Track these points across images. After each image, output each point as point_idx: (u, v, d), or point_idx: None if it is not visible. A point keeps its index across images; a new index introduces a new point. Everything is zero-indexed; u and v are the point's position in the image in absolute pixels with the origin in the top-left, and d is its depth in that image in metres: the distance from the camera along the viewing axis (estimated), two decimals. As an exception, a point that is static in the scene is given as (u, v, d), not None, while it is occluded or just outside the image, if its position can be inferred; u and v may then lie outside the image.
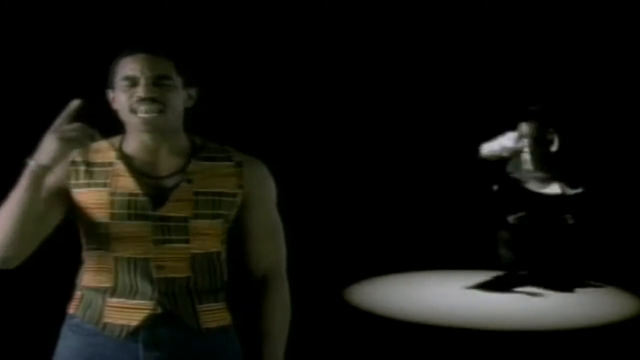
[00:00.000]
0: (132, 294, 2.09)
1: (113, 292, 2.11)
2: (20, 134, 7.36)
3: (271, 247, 2.25)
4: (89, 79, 3.57)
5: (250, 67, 8.23)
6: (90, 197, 2.11)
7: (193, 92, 2.20)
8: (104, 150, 2.16)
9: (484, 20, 8.63)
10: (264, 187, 2.23)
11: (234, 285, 2.26)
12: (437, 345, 5.38)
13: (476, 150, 6.84)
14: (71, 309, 2.17)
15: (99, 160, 2.14)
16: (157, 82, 2.09)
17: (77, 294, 2.17)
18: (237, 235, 2.24)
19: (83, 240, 2.18)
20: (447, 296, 6.58)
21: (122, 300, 2.10)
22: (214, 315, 2.16)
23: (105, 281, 2.11)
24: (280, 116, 8.45)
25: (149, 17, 7.62)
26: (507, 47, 8.63)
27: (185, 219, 2.11)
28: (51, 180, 2.08)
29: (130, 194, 2.09)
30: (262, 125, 8.28)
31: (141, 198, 2.09)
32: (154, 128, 2.09)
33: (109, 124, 2.18)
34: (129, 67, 2.10)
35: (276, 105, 8.44)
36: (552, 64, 8.54)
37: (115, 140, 2.18)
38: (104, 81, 2.19)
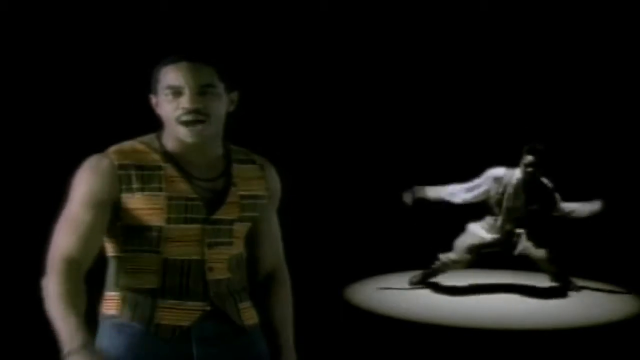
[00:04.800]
0: (183, 295, 2.12)
1: (162, 293, 2.11)
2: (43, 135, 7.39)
3: (278, 245, 2.34)
4: (129, 85, 3.60)
5: (249, 68, 8.24)
6: (145, 202, 2.10)
7: (234, 96, 2.20)
8: (145, 151, 2.14)
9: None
10: (278, 190, 2.30)
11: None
12: (437, 345, 5.38)
13: (475, 149, 6.82)
14: (111, 310, 2.14)
15: (147, 163, 2.12)
16: (202, 92, 2.09)
17: (113, 294, 2.15)
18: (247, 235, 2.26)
19: (119, 242, 2.14)
20: (447, 296, 6.57)
21: (172, 301, 2.12)
22: (250, 312, 2.23)
23: (151, 282, 2.12)
24: (280, 116, 8.45)
25: (186, 24, 7.67)
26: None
27: (232, 222, 2.16)
28: (104, 191, 2.08)
29: (187, 198, 2.11)
30: (262, 126, 8.29)
31: (196, 202, 2.12)
32: (198, 138, 2.10)
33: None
34: (172, 76, 2.10)
35: (276, 106, 8.44)
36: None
37: (150, 141, 2.17)
38: (143, 86, 2.21)
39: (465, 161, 7.42)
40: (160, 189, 2.11)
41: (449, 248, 6.70)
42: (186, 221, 2.11)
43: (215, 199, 2.14)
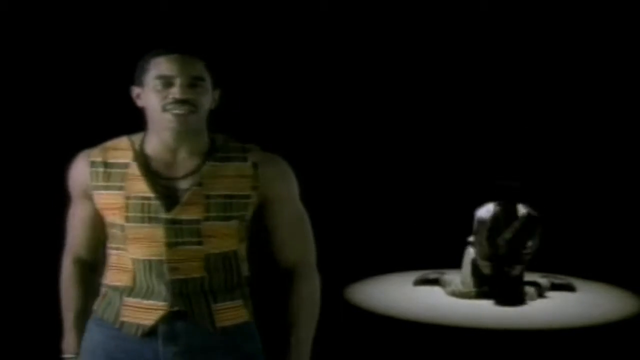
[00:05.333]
0: (148, 294, 2.15)
1: (130, 291, 2.17)
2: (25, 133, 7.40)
3: (296, 241, 2.28)
4: (111, 78, 3.61)
5: (259, 65, 8.24)
6: (108, 200, 2.17)
7: (217, 94, 2.23)
8: (122, 148, 2.19)
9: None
10: (281, 186, 2.26)
11: (263, 279, 2.29)
12: (436, 344, 5.38)
13: (476, 150, 6.82)
14: (95, 305, 2.24)
15: (116, 161, 2.17)
16: (192, 83, 2.12)
17: (102, 291, 2.24)
18: (264, 230, 2.27)
19: (107, 239, 2.24)
20: (447, 295, 6.57)
21: (137, 300, 2.16)
22: (230, 313, 2.20)
23: (125, 281, 2.18)
24: (280, 117, 8.45)
25: (175, 19, 7.67)
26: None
27: (197, 222, 2.14)
28: (82, 186, 2.20)
29: (144, 197, 2.13)
30: (262, 126, 8.29)
31: (154, 201, 2.13)
32: (182, 127, 2.11)
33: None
34: (164, 66, 2.12)
35: (276, 106, 8.44)
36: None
37: (137, 138, 2.21)
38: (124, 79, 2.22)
39: (463, 161, 7.43)
40: (120, 187, 2.15)
41: (449, 247, 6.69)
42: (144, 220, 2.13)
43: (176, 199, 2.14)
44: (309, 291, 2.28)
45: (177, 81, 2.10)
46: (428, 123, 8.82)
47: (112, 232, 2.19)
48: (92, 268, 2.28)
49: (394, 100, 8.87)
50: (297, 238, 2.29)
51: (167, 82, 2.11)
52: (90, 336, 2.22)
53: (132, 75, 2.19)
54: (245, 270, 2.25)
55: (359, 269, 7.14)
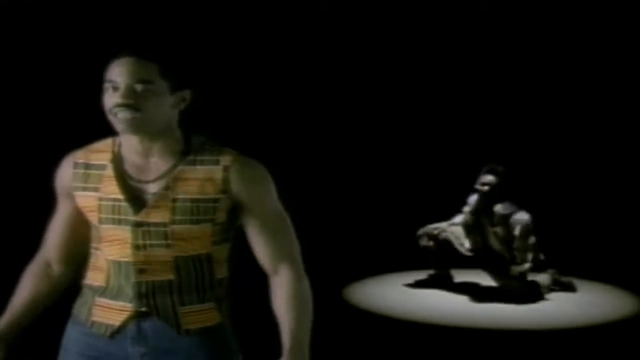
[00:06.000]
0: (117, 295, 2.18)
1: (103, 292, 2.20)
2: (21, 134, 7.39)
3: (276, 241, 2.24)
4: (80, 82, 3.59)
5: (250, 67, 8.24)
6: (84, 201, 2.20)
7: (186, 94, 2.20)
8: (103, 150, 2.22)
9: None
10: (254, 188, 2.21)
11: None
12: (436, 344, 5.37)
13: (475, 149, 6.81)
14: (75, 303, 2.29)
15: (96, 162, 2.20)
16: (135, 88, 2.10)
17: (82, 290, 2.28)
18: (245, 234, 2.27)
19: (91, 240, 2.27)
20: (446, 295, 6.57)
21: (107, 300, 2.19)
22: (198, 316, 2.20)
23: (100, 280, 2.21)
24: (280, 117, 8.44)
25: (142, 20, 7.63)
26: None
27: (164, 225, 2.15)
28: (66, 186, 2.22)
29: (115, 199, 2.16)
30: (262, 125, 8.28)
31: (123, 203, 2.15)
32: (129, 130, 2.12)
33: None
34: (113, 71, 2.13)
35: (276, 106, 8.44)
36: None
37: (119, 139, 2.22)
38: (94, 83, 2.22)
39: (463, 160, 7.42)
40: (96, 189, 2.18)
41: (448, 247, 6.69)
42: (115, 222, 2.15)
43: (144, 201, 2.16)
44: (295, 292, 2.22)
45: (121, 85, 2.11)
46: (426, 126, 8.82)
47: (93, 232, 2.23)
48: (59, 268, 2.29)
49: (393, 100, 8.87)
50: (276, 239, 2.25)
51: (114, 86, 2.12)
52: (66, 334, 2.28)
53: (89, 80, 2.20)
54: (221, 272, 2.24)
55: (357, 269, 7.14)
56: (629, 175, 8.53)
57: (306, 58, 8.59)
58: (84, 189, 2.19)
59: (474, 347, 5.32)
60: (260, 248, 2.25)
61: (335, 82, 8.73)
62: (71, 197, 2.22)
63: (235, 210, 2.21)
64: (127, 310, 2.17)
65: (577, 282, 6.77)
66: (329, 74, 8.70)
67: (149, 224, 2.14)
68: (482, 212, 6.42)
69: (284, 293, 2.21)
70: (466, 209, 6.54)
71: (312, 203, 7.98)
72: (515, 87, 8.79)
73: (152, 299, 2.16)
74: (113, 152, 2.20)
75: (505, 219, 6.36)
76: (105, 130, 2.22)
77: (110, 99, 2.11)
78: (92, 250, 2.24)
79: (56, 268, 2.30)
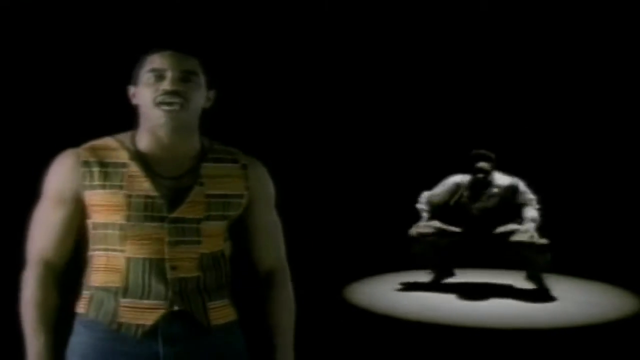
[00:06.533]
0: (146, 294, 2.12)
1: (125, 292, 2.13)
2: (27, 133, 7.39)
3: (274, 245, 2.30)
4: (110, 81, 3.61)
5: (248, 68, 8.24)
6: (106, 199, 2.13)
7: (212, 94, 2.22)
8: (114, 148, 2.17)
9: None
10: (267, 188, 2.28)
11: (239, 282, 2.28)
12: (436, 343, 5.37)
13: (475, 149, 6.82)
14: (81, 309, 2.18)
15: (111, 160, 2.15)
16: (184, 78, 2.12)
17: (86, 293, 2.18)
18: (241, 234, 2.27)
19: (91, 241, 2.18)
20: (446, 295, 6.57)
21: (134, 300, 2.12)
22: (222, 311, 2.20)
23: (117, 282, 2.13)
24: (280, 116, 8.45)
25: (172, 21, 7.68)
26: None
27: (198, 221, 2.14)
28: (69, 188, 2.14)
29: (147, 196, 2.11)
30: (262, 126, 8.28)
31: (157, 200, 2.12)
32: (173, 122, 2.10)
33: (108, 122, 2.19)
34: (157, 61, 2.14)
35: (276, 106, 8.44)
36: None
37: (124, 137, 2.19)
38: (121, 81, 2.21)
39: (463, 160, 7.42)
40: (120, 187, 2.12)
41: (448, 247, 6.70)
42: (146, 219, 2.11)
43: (178, 198, 2.13)
44: (287, 295, 2.31)
45: (169, 74, 2.11)
46: (426, 126, 8.83)
47: (102, 232, 2.14)
48: (58, 274, 2.20)
49: (391, 102, 8.87)
50: (274, 242, 2.31)
51: (159, 75, 2.11)
52: (78, 340, 2.17)
53: (118, 76, 2.18)
54: (229, 271, 2.26)
55: (357, 269, 7.14)
56: (628, 175, 8.53)
57: (301, 59, 8.59)
58: (103, 186, 2.12)
59: (474, 347, 5.32)
60: (258, 248, 2.28)
61: (335, 82, 8.74)
62: (75, 198, 2.15)
63: (244, 209, 2.24)
64: (160, 309, 2.12)
65: (577, 282, 6.78)
66: (329, 75, 8.70)
67: (184, 220, 2.13)
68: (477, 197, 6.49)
69: (279, 298, 2.28)
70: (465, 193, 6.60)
71: (312, 204, 7.99)
72: (515, 87, 8.79)
73: (185, 296, 2.14)
74: (128, 149, 2.16)
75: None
76: (86, 129, 2.20)
77: (156, 88, 2.10)
78: (98, 252, 2.16)
79: (59, 269, 2.22)
